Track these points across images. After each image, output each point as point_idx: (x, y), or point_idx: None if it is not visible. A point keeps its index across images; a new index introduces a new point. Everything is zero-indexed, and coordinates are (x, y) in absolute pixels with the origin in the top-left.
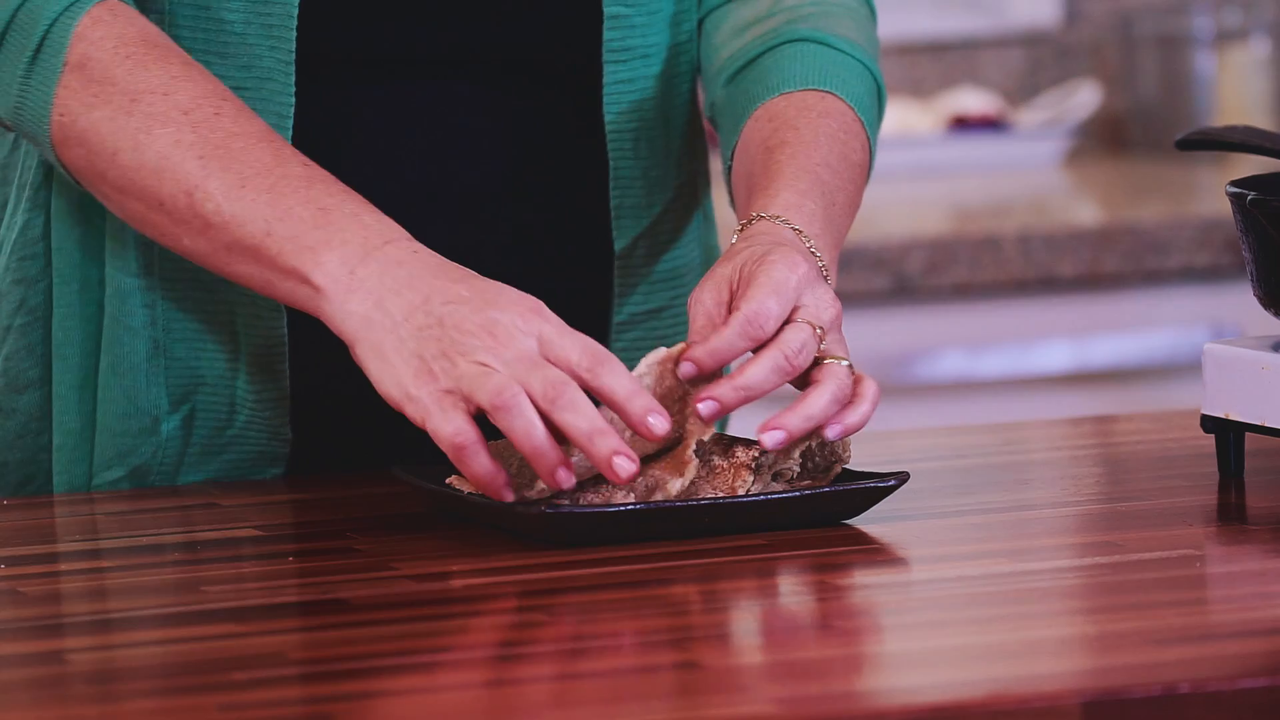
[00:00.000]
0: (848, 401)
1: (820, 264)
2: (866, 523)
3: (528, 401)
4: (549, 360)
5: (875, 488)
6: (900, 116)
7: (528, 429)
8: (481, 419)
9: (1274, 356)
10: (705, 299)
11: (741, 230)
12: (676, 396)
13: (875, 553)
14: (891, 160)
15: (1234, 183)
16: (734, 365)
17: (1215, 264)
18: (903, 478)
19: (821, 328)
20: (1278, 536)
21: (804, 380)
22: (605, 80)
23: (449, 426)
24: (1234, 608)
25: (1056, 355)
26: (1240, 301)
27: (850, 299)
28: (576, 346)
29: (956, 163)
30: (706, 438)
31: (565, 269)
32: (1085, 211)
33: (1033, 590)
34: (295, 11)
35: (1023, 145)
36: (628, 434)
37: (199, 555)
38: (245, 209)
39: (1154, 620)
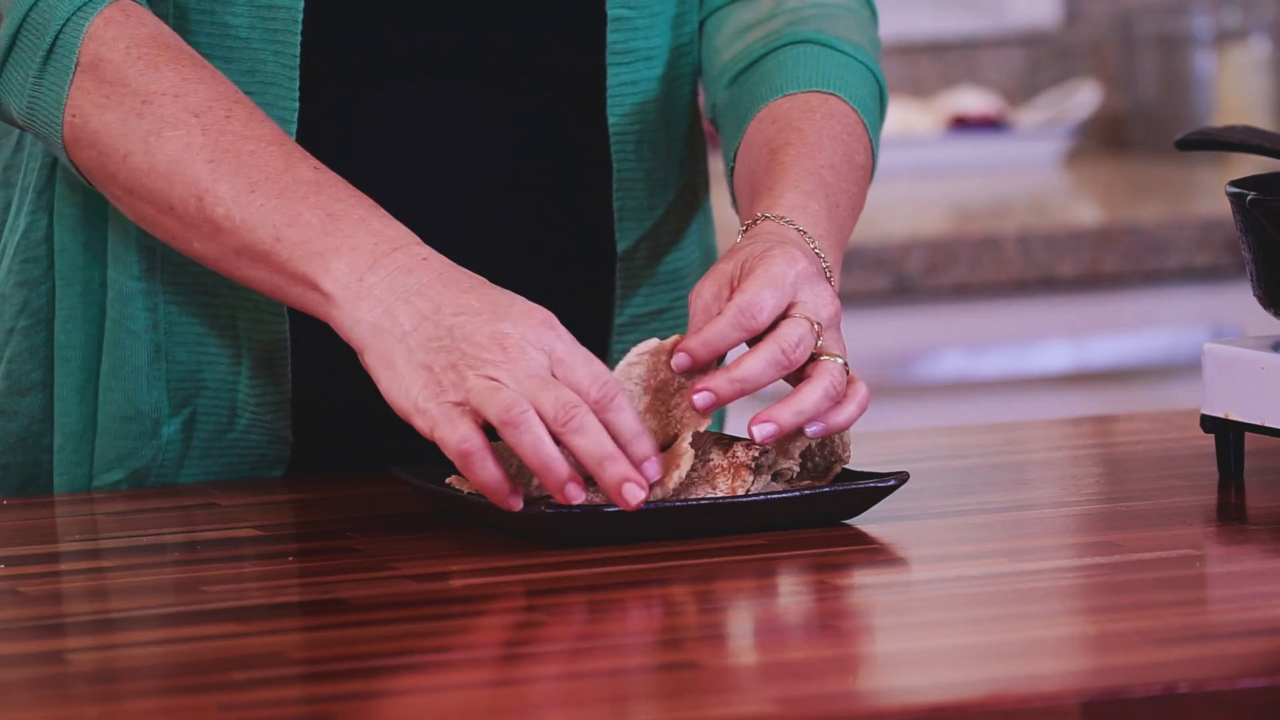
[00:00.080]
0: (840, 399)
1: (824, 265)
2: (866, 523)
3: (536, 417)
4: (562, 380)
5: (875, 488)
6: (900, 116)
7: (535, 444)
8: (489, 430)
9: (1274, 356)
10: (705, 293)
11: (746, 230)
12: (672, 389)
13: (875, 553)
14: (891, 160)
15: (1234, 183)
16: (728, 358)
17: (1215, 264)
18: (903, 478)
19: (820, 324)
20: (1278, 536)
21: (798, 376)
22: (609, 82)
23: (455, 434)
24: (1234, 608)
25: (1056, 355)
26: (1240, 301)
27: (850, 299)
28: (588, 375)
29: (956, 163)
30: (703, 429)
31: (567, 270)
32: (1085, 211)
33: (1032, 590)
34: (300, 16)
35: (1023, 145)
36: None
37: (199, 555)
38: (254, 214)
39: (1154, 620)
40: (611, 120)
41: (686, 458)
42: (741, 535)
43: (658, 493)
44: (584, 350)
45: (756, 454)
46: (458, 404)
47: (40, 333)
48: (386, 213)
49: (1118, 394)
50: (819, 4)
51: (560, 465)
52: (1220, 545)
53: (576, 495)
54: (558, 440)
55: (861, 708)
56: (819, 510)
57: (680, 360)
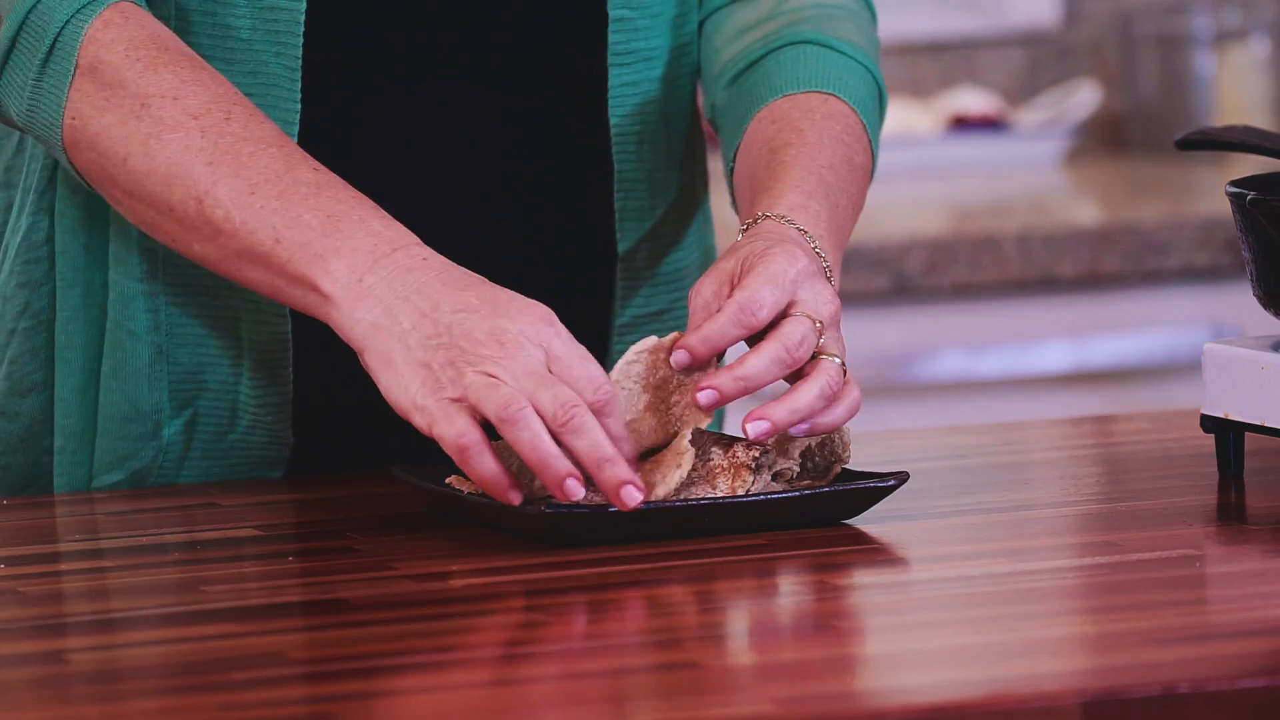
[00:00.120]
0: (835, 399)
1: (824, 264)
2: (866, 523)
3: (534, 414)
4: (560, 379)
5: (875, 488)
6: (900, 116)
7: (533, 441)
8: (489, 430)
9: (1274, 356)
10: (705, 291)
11: (746, 229)
12: (671, 387)
13: (875, 553)
14: (891, 160)
15: (1234, 183)
16: (729, 357)
17: (1215, 264)
18: (903, 478)
19: (821, 322)
20: (1278, 536)
21: (796, 374)
22: (610, 83)
23: (452, 429)
24: (1234, 608)
25: (1056, 355)
26: (1240, 301)
27: (850, 299)
28: (584, 376)
29: (956, 163)
30: (703, 427)
31: (567, 271)
32: (1085, 211)
33: (1032, 590)
34: (302, 17)
35: (1023, 145)
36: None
37: (199, 555)
38: (254, 216)
39: (1154, 620)
40: (613, 121)
41: (687, 456)
42: (741, 535)
43: (659, 492)
44: (581, 349)
45: (756, 454)
46: (455, 400)
47: (41, 334)
48: (386, 213)
49: (1118, 394)
50: (818, 4)
51: (559, 462)
52: (1220, 545)
53: (576, 492)
54: (556, 439)
55: (861, 708)
56: (819, 510)
57: (680, 357)
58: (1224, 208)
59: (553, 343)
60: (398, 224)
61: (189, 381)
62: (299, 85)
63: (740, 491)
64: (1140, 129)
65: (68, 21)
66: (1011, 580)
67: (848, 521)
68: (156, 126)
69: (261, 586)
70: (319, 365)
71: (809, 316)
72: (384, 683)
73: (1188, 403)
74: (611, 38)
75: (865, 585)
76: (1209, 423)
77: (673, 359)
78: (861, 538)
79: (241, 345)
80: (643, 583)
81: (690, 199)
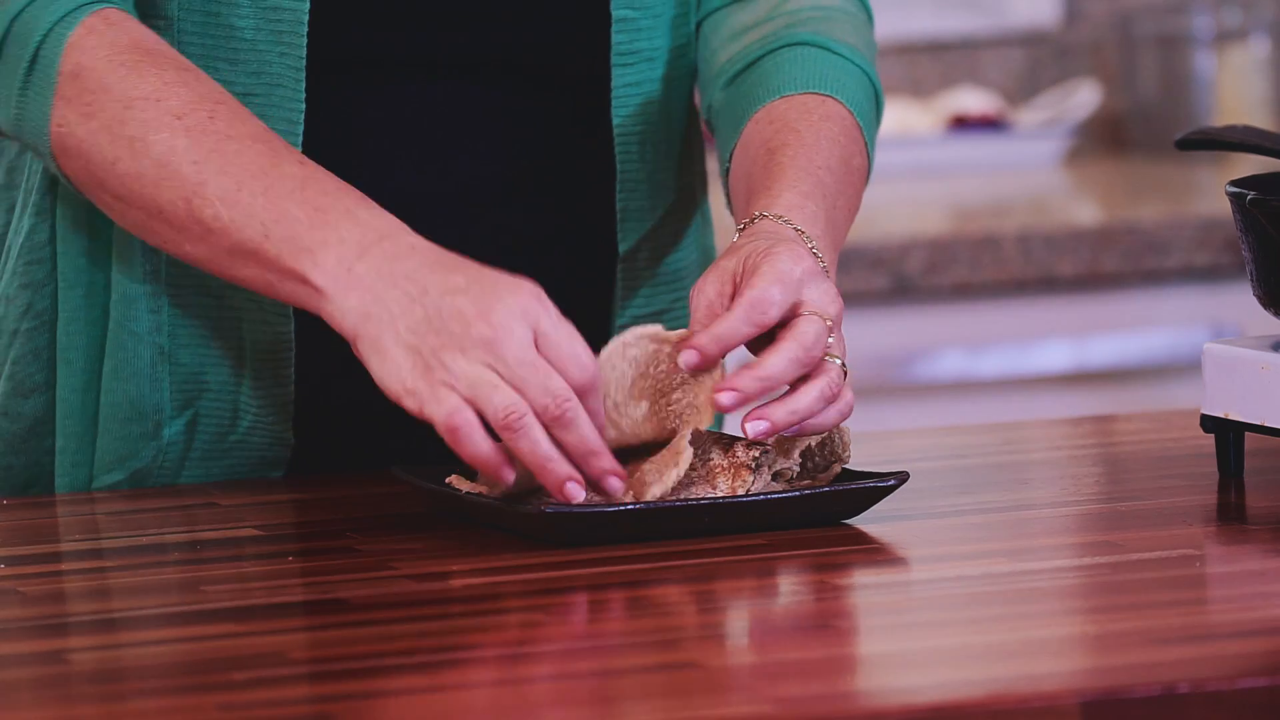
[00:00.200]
0: (833, 400)
1: (821, 264)
2: (866, 523)
3: (534, 419)
4: (546, 357)
5: (875, 488)
6: (900, 116)
7: (533, 448)
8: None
9: (1274, 356)
10: (708, 290)
11: (743, 229)
12: (673, 384)
13: (875, 553)
14: (891, 160)
15: (1234, 182)
16: (730, 362)
17: (1215, 264)
18: (903, 478)
19: (830, 321)
20: (1278, 536)
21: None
22: (613, 83)
23: (442, 410)
24: (1234, 608)
25: (1056, 355)
26: (1240, 301)
27: (850, 299)
28: (571, 356)
29: (956, 162)
30: (703, 427)
31: (568, 271)
32: (1085, 211)
33: (1032, 590)
34: (305, 18)
35: (1022, 145)
36: (609, 400)
37: (199, 555)
38: (242, 213)
39: (1154, 620)
40: (616, 121)
41: (685, 456)
42: (741, 535)
43: (654, 491)
44: (568, 327)
45: (756, 454)
46: (447, 384)
47: (44, 335)
48: (374, 203)
49: (1118, 394)
50: (816, 7)
51: (559, 465)
52: (1220, 545)
53: (576, 495)
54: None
55: (861, 708)
56: (819, 510)
57: (690, 357)
58: (1224, 208)
59: (541, 320)
60: (385, 213)
61: (190, 382)
62: (303, 85)
63: (740, 491)
64: (1140, 129)
65: (51, 29)
66: (1011, 580)
67: (848, 521)
68: (141, 129)
69: (262, 586)
70: (320, 366)
71: (819, 315)
72: (384, 683)
73: (1188, 403)
74: (614, 38)
75: (865, 585)
76: (1209, 423)
77: (682, 359)
78: (861, 538)
79: (243, 346)
80: (643, 583)
81: (690, 199)
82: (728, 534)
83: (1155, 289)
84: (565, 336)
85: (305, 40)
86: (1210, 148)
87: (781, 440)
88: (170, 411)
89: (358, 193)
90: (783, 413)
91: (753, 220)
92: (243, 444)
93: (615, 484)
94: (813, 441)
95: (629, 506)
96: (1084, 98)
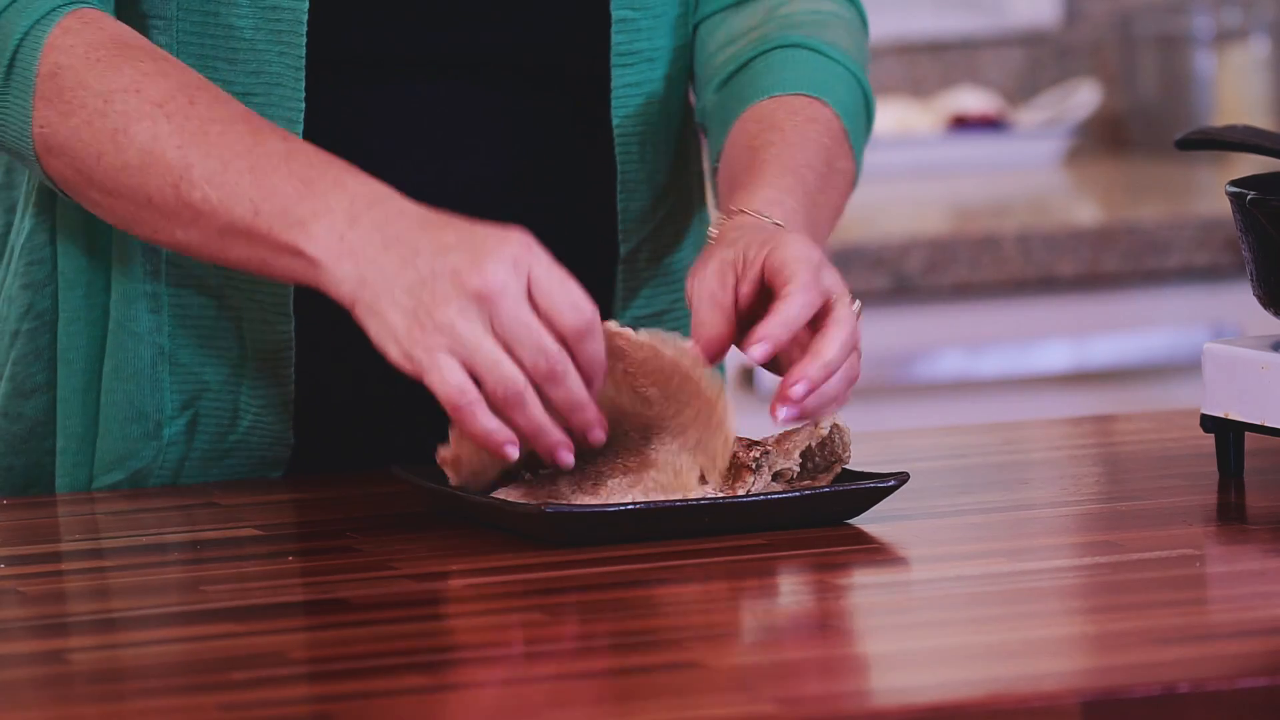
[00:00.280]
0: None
1: None
2: (866, 523)
3: (533, 392)
4: (538, 308)
5: (875, 488)
6: (900, 116)
7: (529, 420)
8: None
9: (1274, 356)
10: (710, 281)
11: (722, 224)
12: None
13: (875, 553)
14: (891, 160)
15: (1234, 182)
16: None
17: (1215, 264)
18: (903, 478)
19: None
20: (1278, 536)
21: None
22: (613, 84)
23: (447, 386)
24: (1234, 608)
25: (1056, 355)
26: (1240, 301)
27: None
28: (566, 302)
29: (956, 162)
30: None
31: (569, 272)
32: (1085, 211)
33: (1032, 590)
34: (305, 16)
35: (1022, 145)
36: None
37: (199, 555)
38: (230, 193)
39: (1153, 620)
40: (615, 121)
41: (748, 477)
42: (741, 535)
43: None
44: (561, 272)
45: (757, 454)
46: (446, 349)
47: (44, 335)
48: (360, 171)
49: (1118, 394)
50: (812, 12)
51: (552, 433)
52: (1220, 545)
53: (568, 459)
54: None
55: (861, 708)
56: (819, 510)
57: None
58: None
59: (533, 267)
60: (372, 179)
61: (191, 382)
62: (303, 84)
63: (740, 491)
64: (1140, 129)
65: (28, 32)
66: (1011, 580)
67: (848, 521)
68: (122, 120)
69: (262, 586)
70: (320, 366)
71: (845, 297)
72: (384, 683)
73: (1188, 403)
74: (614, 38)
75: (865, 585)
76: (1209, 423)
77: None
78: (861, 538)
79: (243, 346)
80: (643, 583)
81: (690, 200)
82: (728, 534)
83: (1155, 289)
84: (558, 282)
85: (304, 39)
86: (1210, 148)
87: (782, 440)
88: (170, 411)
89: (343, 162)
90: (817, 368)
91: (731, 215)
92: (243, 444)
93: (599, 435)
94: (813, 442)
95: (629, 506)
96: (1084, 98)
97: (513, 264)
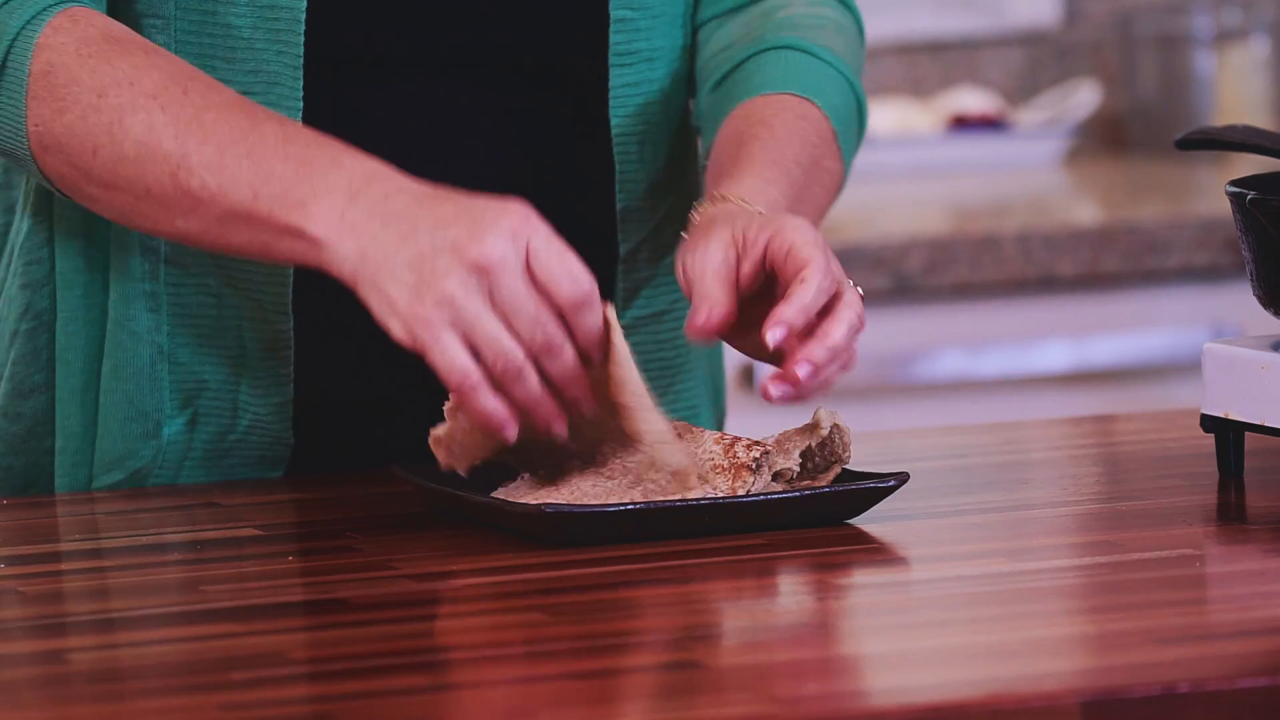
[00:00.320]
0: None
1: None
2: (866, 523)
3: (532, 369)
4: (535, 279)
5: (875, 488)
6: (900, 116)
7: (526, 394)
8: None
9: (1274, 356)
10: (714, 258)
11: (704, 210)
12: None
13: (875, 553)
14: (891, 160)
15: (1234, 182)
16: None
17: (1215, 264)
18: (903, 478)
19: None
20: (1278, 536)
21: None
22: (611, 84)
23: (451, 366)
24: (1234, 608)
25: (1056, 355)
26: (1240, 301)
27: None
28: (564, 274)
29: (956, 162)
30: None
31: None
32: (1085, 211)
33: (1032, 590)
34: (303, 16)
35: (1022, 145)
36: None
37: (199, 555)
38: (229, 178)
39: (1153, 620)
40: (614, 121)
41: (747, 476)
42: (741, 535)
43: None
44: (559, 244)
45: (757, 454)
46: (448, 323)
47: (43, 335)
48: (357, 149)
49: (1118, 394)
50: (808, 16)
51: (547, 406)
52: (1220, 545)
53: (561, 429)
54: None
55: (862, 708)
56: (819, 510)
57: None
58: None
59: (532, 238)
60: (369, 157)
61: (190, 381)
62: (301, 84)
63: (740, 491)
64: (1140, 129)
65: (19, 32)
66: (1011, 580)
67: (848, 521)
68: (117, 113)
69: (262, 586)
70: (320, 365)
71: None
72: (384, 683)
73: (1188, 403)
74: (613, 38)
75: (865, 585)
76: (1209, 423)
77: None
78: (861, 538)
79: (243, 345)
80: (643, 583)
81: (690, 200)
82: (728, 534)
83: (1155, 289)
84: (556, 254)
85: (303, 39)
86: (1210, 148)
87: (781, 440)
88: (170, 411)
89: (339, 142)
90: (823, 351)
91: (714, 201)
92: (243, 443)
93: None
94: (813, 441)
95: (629, 506)
96: (1084, 98)
97: (511, 235)
